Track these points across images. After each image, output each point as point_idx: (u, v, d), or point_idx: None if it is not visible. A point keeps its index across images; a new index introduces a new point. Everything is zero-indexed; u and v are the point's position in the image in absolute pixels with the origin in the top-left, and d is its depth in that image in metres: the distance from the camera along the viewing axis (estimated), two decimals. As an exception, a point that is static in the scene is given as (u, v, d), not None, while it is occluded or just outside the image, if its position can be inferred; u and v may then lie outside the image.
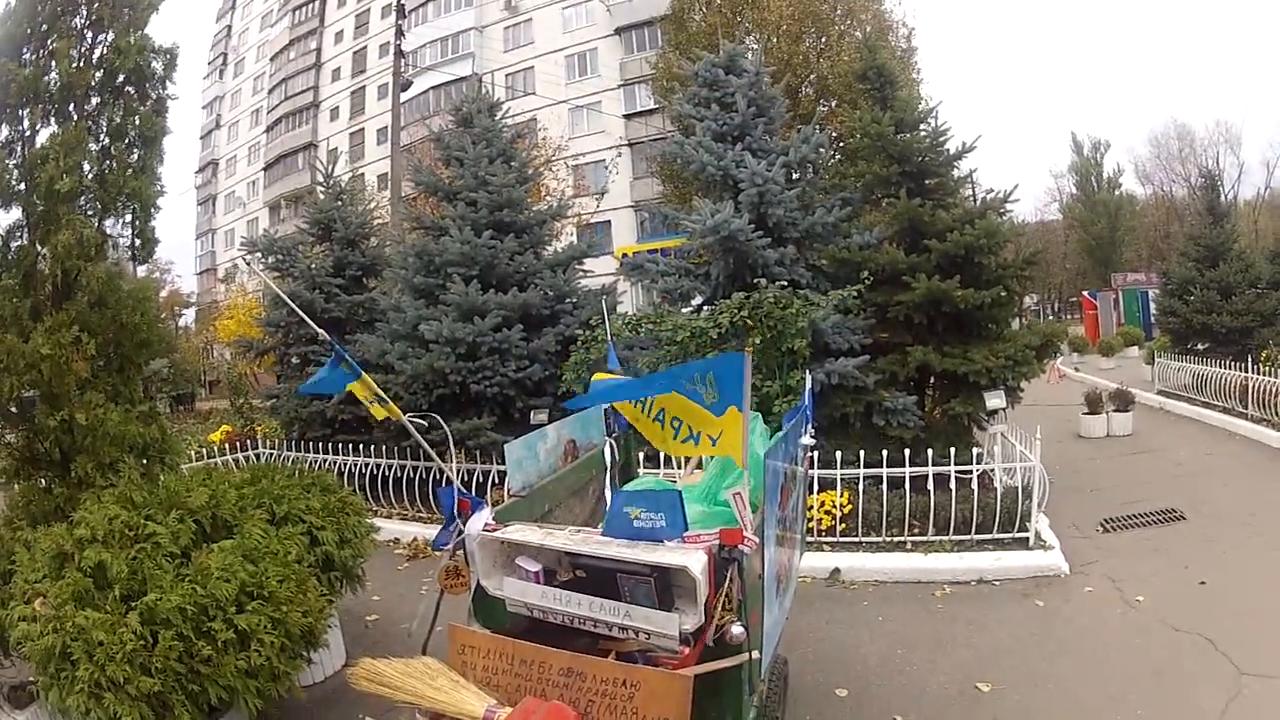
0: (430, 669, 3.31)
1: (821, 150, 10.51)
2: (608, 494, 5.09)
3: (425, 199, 13.57)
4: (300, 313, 4.19)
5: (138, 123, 6.13)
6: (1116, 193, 47.95)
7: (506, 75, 39.22)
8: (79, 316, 5.61)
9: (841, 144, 13.27)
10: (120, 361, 6.00)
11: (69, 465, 5.64)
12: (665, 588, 3.23)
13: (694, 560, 3.09)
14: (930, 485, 7.91)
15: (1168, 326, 19.12)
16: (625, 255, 19.20)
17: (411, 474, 10.04)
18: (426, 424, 4.01)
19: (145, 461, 5.94)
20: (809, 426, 5.28)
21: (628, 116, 39.29)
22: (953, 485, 7.98)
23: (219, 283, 50.30)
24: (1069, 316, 44.55)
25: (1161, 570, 7.25)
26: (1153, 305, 33.40)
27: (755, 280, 9.08)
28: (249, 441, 12.84)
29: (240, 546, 4.68)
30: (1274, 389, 11.92)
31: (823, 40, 20.84)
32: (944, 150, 10.42)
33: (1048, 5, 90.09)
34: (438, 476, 9.74)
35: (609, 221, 30.62)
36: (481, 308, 9.94)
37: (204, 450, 11.82)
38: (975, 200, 10.93)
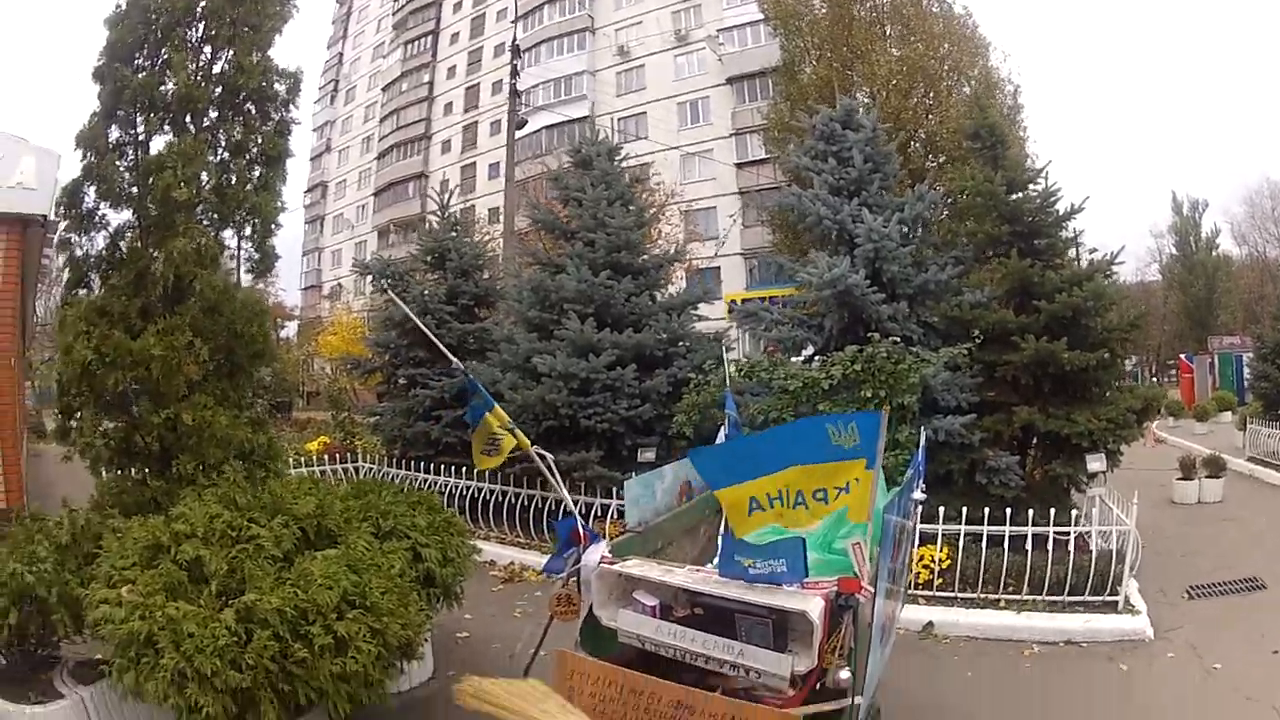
0: (538, 691, 3.33)
1: (935, 207, 10.53)
2: (719, 537, 5.15)
3: (540, 235, 13.84)
4: (434, 337, 4.29)
5: (260, 141, 6.32)
6: (1214, 253, 46.67)
7: (619, 119, 39.80)
8: (193, 321, 5.72)
9: (950, 201, 13.25)
10: (231, 368, 6.13)
11: (169, 461, 5.71)
12: (781, 630, 3.30)
13: (812, 605, 3.16)
14: (1029, 545, 7.80)
15: (1261, 391, 18.64)
16: (734, 302, 19.27)
17: (514, 500, 10.16)
18: (551, 456, 4.10)
19: (249, 466, 5.99)
20: (920, 482, 5.31)
21: (739, 165, 39.32)
22: (1050, 546, 7.87)
23: (323, 299, 51.74)
24: (1166, 379, 43.12)
25: (1240, 638, 7.10)
26: (1246, 369, 32.50)
27: (867, 334, 9.10)
28: (348, 455, 13.15)
29: (345, 556, 4.67)
30: None
31: (930, 96, 20.73)
32: (1054, 210, 10.34)
33: (1145, 63, 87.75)
34: (540, 505, 9.89)
35: (718, 268, 30.72)
36: (596, 345, 10.09)
37: (300, 459, 12.02)
38: (1079, 262, 10.76)
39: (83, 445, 5.92)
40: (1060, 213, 10.35)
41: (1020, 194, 10.34)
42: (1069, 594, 7.69)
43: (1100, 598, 7.63)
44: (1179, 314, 46.53)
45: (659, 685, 3.28)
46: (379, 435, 13.86)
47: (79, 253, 6.15)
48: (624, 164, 12.60)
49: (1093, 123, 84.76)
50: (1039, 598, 7.75)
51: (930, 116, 20.42)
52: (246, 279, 6.74)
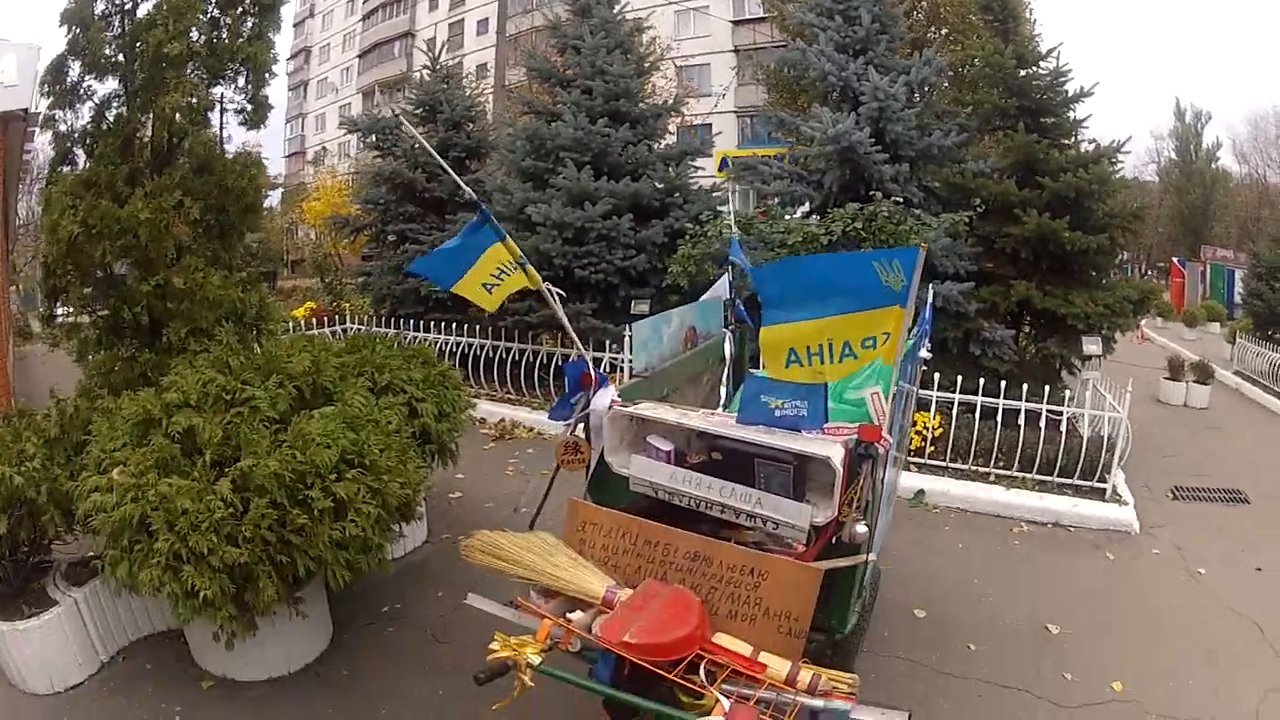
0: (548, 545, 3.23)
1: (941, 74, 10.33)
2: (722, 386, 5.04)
3: (536, 86, 13.41)
4: (446, 167, 3.98)
5: None
6: (1213, 166, 45.88)
7: None
8: (182, 181, 5.49)
9: (953, 74, 12.89)
10: (222, 228, 5.90)
11: (159, 332, 5.50)
12: (800, 479, 3.16)
13: (835, 452, 2.97)
14: (1021, 421, 7.80)
15: (1253, 309, 18.54)
16: (725, 159, 18.95)
17: (504, 355, 10.11)
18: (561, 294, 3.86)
19: (241, 329, 5.80)
20: (926, 341, 5.21)
21: (736, 22, 38.15)
22: (1042, 424, 7.86)
23: (307, 164, 50.66)
24: (1156, 280, 43.29)
25: (1224, 548, 7.13)
26: (1238, 285, 32.05)
27: (868, 193, 9.02)
28: (336, 318, 12.99)
29: (341, 413, 4.45)
30: None
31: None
32: (1063, 90, 10.15)
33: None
34: (530, 360, 9.82)
35: (710, 125, 30.02)
36: (592, 194, 9.86)
37: (289, 326, 11.83)
38: (1075, 147, 10.61)
39: (68, 328, 5.75)
40: (1069, 93, 10.16)
41: (1029, 70, 10.18)
42: (1058, 475, 7.73)
43: (1089, 483, 7.67)
44: (1173, 219, 46.20)
45: (675, 535, 3.14)
46: (368, 295, 13.69)
47: (63, 129, 5.87)
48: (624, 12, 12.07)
49: (1099, 19, 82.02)
50: (1028, 475, 7.80)
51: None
52: (240, 132, 6.46)
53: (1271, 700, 4.82)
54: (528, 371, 9.89)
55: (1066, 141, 10.40)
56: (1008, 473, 7.84)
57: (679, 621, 2.84)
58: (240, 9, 5.97)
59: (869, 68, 9.56)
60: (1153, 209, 42.72)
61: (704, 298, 5.30)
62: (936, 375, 7.85)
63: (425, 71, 13.92)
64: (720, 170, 18.05)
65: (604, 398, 3.53)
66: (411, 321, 11.14)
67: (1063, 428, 8.05)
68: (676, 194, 10.66)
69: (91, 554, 4.46)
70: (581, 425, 3.61)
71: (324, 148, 48.69)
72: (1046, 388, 8.13)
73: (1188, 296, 32.22)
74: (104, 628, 4.56)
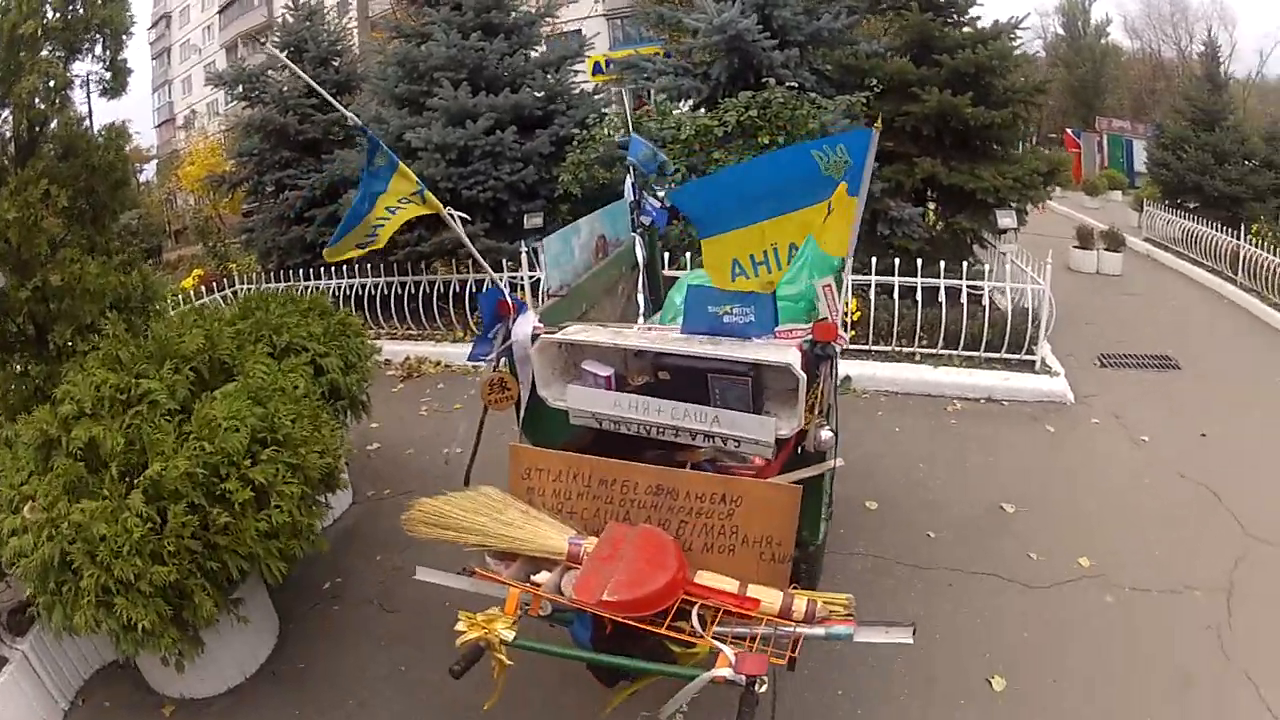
0: (494, 501, 2.93)
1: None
2: (639, 295, 4.77)
3: (402, 11, 12.79)
4: (325, 93, 3.51)
5: None
6: (1103, 41, 46.38)
7: None
8: (47, 170, 4.87)
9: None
10: (94, 211, 5.27)
11: (45, 339, 4.97)
12: (758, 390, 2.92)
13: (793, 356, 2.72)
14: (941, 299, 7.68)
15: (1159, 178, 18.90)
16: (599, 63, 18.51)
17: (400, 290, 9.72)
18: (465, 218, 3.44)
19: (128, 315, 5.20)
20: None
21: None
22: (963, 300, 7.74)
23: (178, 130, 48.47)
24: (1048, 151, 44.54)
25: (1163, 415, 7.16)
26: (1138, 154, 32.23)
27: (759, 81, 8.83)
28: (224, 281, 12.31)
29: (244, 388, 4.10)
30: (1266, 263, 11.75)
31: None
32: (957, -32, 10.08)
33: None
34: (428, 291, 9.40)
35: (579, 30, 29.42)
36: (472, 111, 9.37)
37: (179, 298, 11.24)
38: (972, 24, 10.54)
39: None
40: (964, -29, 10.10)
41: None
42: (985, 350, 7.68)
43: (1017, 356, 7.65)
44: (1063, 92, 47.12)
45: (633, 469, 2.86)
46: (253, 251, 13.05)
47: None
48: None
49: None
50: (955, 353, 7.72)
51: None
52: (106, 107, 5.83)
53: (1243, 569, 4.79)
54: (425, 304, 9.51)
55: (961, 19, 10.34)
56: (933, 351, 7.76)
57: (657, 567, 2.61)
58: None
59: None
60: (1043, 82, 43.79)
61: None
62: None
63: (287, 13, 13.20)
64: (595, 75, 17.57)
65: (525, 325, 3.17)
66: (300, 271, 10.56)
67: (984, 303, 7.98)
68: (559, 101, 10.22)
69: (27, 597, 4.01)
70: (505, 359, 3.25)
71: (193, 111, 46.71)
72: (964, 264, 8.02)
73: (1085, 166, 32.63)
74: (57, 674, 4.21)
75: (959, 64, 9.24)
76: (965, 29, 10.15)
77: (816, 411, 2.79)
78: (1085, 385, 7.65)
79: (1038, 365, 7.63)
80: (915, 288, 7.78)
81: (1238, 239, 12.84)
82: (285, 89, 12.17)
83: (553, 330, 3.16)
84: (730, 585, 2.61)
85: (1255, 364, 8.97)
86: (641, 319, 4.50)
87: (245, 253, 13.94)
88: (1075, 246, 13.72)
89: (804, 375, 2.69)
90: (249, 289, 11.10)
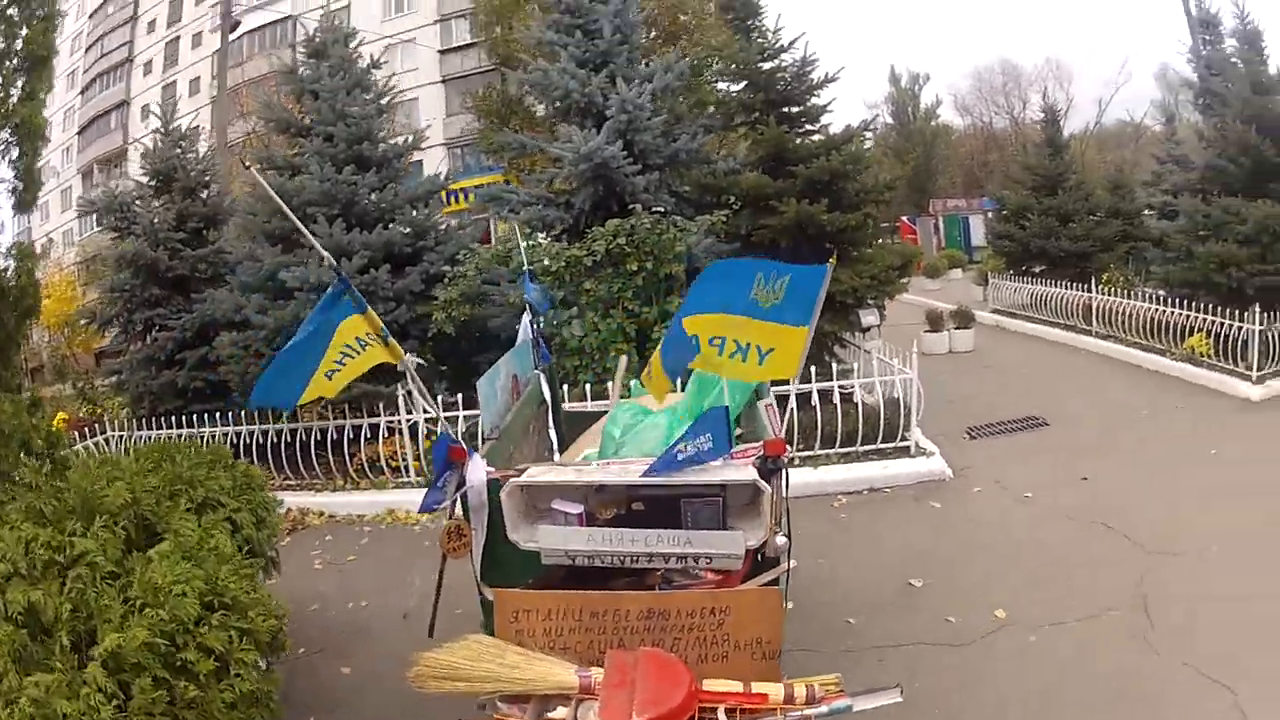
0: (491, 647, 2.93)
1: (683, 78, 10.48)
2: (550, 431, 4.88)
3: (274, 137, 12.61)
4: (297, 222, 3.37)
5: (24, 42, 5.20)
6: (933, 123, 48.86)
7: (321, 15, 37.18)
8: None
9: (694, 74, 13.28)
10: (2, 339, 5.06)
11: None
12: (724, 508, 3.10)
13: (751, 474, 2.95)
14: (815, 401, 8.00)
15: (1003, 250, 19.60)
16: (453, 193, 18.61)
17: (275, 439, 9.19)
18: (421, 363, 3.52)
19: (39, 460, 4.87)
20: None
21: (443, 52, 37.92)
22: (835, 400, 8.08)
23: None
24: (894, 242, 46.43)
25: (1042, 470, 7.61)
26: (974, 229, 35.05)
27: (622, 207, 9.04)
28: (96, 426, 11.68)
29: (178, 548, 3.88)
30: (1121, 308, 12.68)
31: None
32: (809, 79, 10.60)
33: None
34: (304, 438, 9.04)
35: (420, 161, 29.55)
36: (347, 249, 9.25)
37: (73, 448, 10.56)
38: (823, 131, 11.15)
39: None
40: (814, 80, 10.61)
41: (773, 63, 10.55)
42: (861, 444, 7.99)
43: (891, 445, 8.01)
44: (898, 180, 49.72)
45: (622, 598, 2.95)
46: (124, 394, 12.39)
47: None
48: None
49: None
50: (833, 451, 8.02)
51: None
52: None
53: (1150, 582, 5.20)
54: (303, 452, 9.05)
55: (813, 127, 10.89)
56: (812, 453, 8.02)
57: (672, 683, 2.71)
58: (9, 64, 5.17)
59: (618, 79, 9.58)
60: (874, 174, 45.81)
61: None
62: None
63: (157, 136, 12.71)
64: (450, 205, 17.75)
65: (479, 471, 3.20)
66: (174, 417, 9.98)
67: (856, 399, 8.31)
68: (427, 236, 10.22)
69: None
70: (460, 505, 3.26)
71: (49, 239, 44.70)
72: (833, 365, 8.38)
73: (923, 250, 34.18)
74: None
75: (814, 172, 9.63)
76: (817, 137, 10.68)
77: (772, 519, 2.97)
78: (960, 459, 8.04)
79: (912, 449, 8.00)
80: (788, 395, 8.01)
81: (1088, 292, 13.71)
82: (155, 220, 11.78)
83: (512, 474, 3.19)
84: (736, 686, 2.75)
85: (1120, 402, 9.66)
86: (556, 454, 4.60)
87: (114, 396, 13.26)
88: (926, 331, 14.17)
89: (769, 489, 2.89)
90: (123, 436, 10.65)
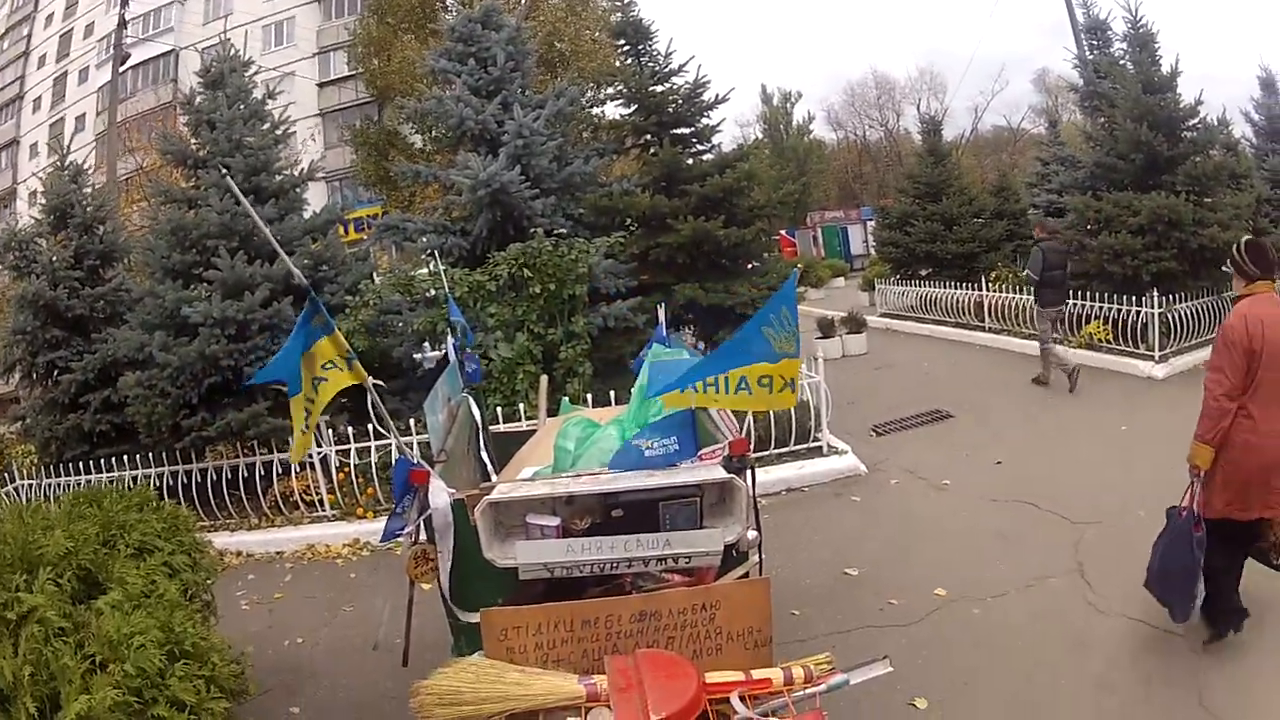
0: (489, 668, 2.85)
1: (575, 103, 10.60)
2: (483, 452, 4.81)
3: (156, 172, 12.19)
4: (276, 245, 3.38)
5: None
6: (806, 139, 48.95)
7: (203, 49, 36.41)
8: None
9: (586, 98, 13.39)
10: None
11: None
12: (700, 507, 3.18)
13: (721, 473, 3.06)
14: (726, 409, 8.11)
15: (889, 256, 19.78)
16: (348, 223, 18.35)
17: (185, 479, 8.89)
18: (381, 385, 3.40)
19: None
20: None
21: (321, 85, 37.79)
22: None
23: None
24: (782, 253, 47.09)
25: (953, 459, 7.81)
26: (853, 239, 36.14)
27: (519, 232, 9.02)
28: (5, 475, 11.08)
29: (127, 598, 3.65)
30: (1012, 303, 13.28)
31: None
32: (700, 100, 10.81)
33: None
34: (215, 476, 8.73)
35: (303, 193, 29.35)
36: (249, 282, 8.86)
37: None
38: (714, 151, 11.45)
39: None
40: (706, 101, 10.85)
41: (665, 85, 10.79)
42: (775, 447, 8.13)
43: (804, 446, 8.13)
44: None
45: (613, 604, 2.93)
46: (31, 441, 11.71)
47: None
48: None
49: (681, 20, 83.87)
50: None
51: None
52: None
53: (1084, 549, 5.42)
54: (215, 490, 8.72)
55: (704, 147, 11.14)
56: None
57: (681, 678, 2.71)
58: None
59: (513, 106, 9.56)
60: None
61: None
62: (613, 392, 7.66)
63: (53, 172, 12.04)
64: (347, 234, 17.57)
65: (440, 494, 3.16)
66: (82, 463, 9.53)
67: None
68: (326, 267, 9.88)
69: None
70: (425, 530, 3.22)
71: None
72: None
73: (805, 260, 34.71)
74: None
75: (708, 190, 9.81)
76: (709, 156, 10.91)
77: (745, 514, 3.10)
78: (872, 455, 8.20)
79: (825, 449, 8.13)
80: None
81: (978, 290, 14.18)
82: (54, 258, 11.07)
83: (487, 492, 3.17)
84: (736, 676, 2.78)
85: (1021, 391, 10.01)
86: (492, 475, 4.53)
87: (19, 444, 12.67)
88: (818, 337, 14.25)
89: (745, 485, 3.01)
90: (31, 485, 10.20)
